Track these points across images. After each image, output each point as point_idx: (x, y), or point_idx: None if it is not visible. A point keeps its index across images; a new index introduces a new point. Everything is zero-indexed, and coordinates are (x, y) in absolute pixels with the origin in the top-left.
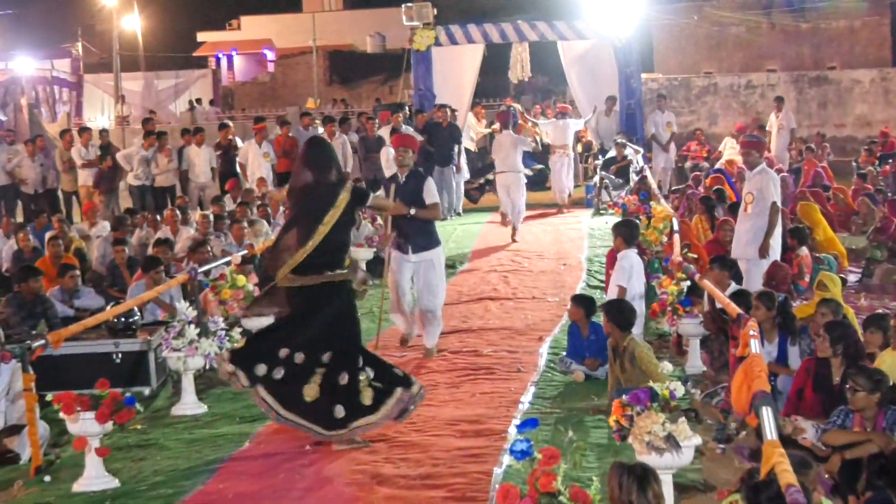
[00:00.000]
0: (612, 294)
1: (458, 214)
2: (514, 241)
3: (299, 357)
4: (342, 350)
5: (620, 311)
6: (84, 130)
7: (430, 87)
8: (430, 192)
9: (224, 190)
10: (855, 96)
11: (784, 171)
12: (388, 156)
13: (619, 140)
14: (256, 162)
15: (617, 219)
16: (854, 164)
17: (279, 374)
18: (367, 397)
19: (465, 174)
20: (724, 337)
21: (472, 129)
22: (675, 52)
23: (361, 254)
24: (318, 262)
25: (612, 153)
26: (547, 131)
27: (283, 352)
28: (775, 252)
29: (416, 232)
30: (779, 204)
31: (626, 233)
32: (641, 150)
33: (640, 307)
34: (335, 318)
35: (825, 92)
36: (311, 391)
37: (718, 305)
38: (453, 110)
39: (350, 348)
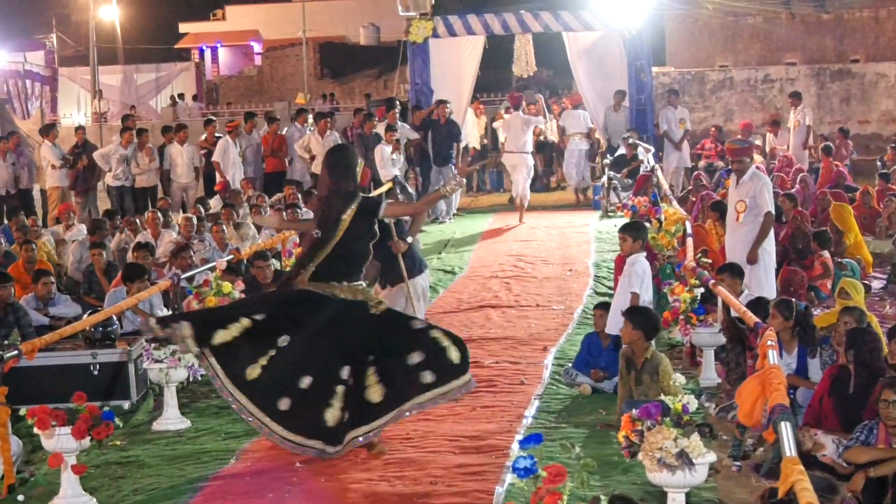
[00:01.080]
0: (622, 301)
1: (456, 214)
2: (521, 222)
3: (306, 381)
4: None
5: (648, 319)
6: (49, 128)
7: (428, 82)
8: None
9: (210, 191)
10: (880, 91)
11: (804, 170)
12: (383, 154)
13: (629, 138)
14: (236, 161)
15: (626, 221)
16: (879, 163)
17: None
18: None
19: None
20: (740, 348)
21: (474, 127)
22: (689, 45)
23: None
24: (330, 272)
25: (620, 151)
26: (562, 124)
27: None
28: (767, 263)
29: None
30: (772, 211)
31: (636, 235)
32: (652, 148)
33: None
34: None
35: (848, 86)
36: (332, 415)
37: (734, 314)
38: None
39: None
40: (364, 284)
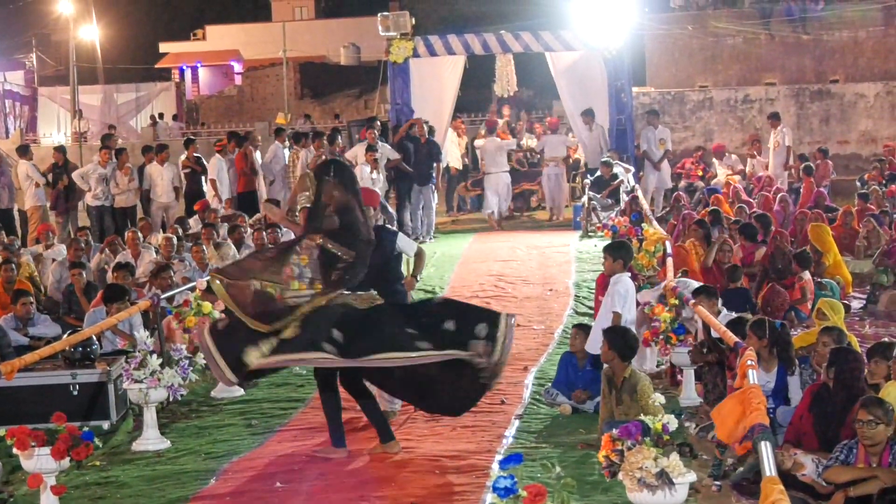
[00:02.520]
0: (604, 321)
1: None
2: (500, 228)
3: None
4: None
5: (624, 339)
6: (25, 149)
7: (408, 102)
8: (408, 243)
9: (191, 210)
10: (859, 111)
11: (783, 190)
12: (362, 174)
13: (606, 159)
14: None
15: (606, 241)
16: (858, 183)
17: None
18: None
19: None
20: (718, 367)
21: (455, 146)
22: (669, 65)
23: None
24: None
25: (597, 173)
26: (541, 146)
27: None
28: None
29: None
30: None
31: (620, 255)
32: (632, 168)
33: None
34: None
35: (828, 107)
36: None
37: (714, 334)
38: (430, 126)
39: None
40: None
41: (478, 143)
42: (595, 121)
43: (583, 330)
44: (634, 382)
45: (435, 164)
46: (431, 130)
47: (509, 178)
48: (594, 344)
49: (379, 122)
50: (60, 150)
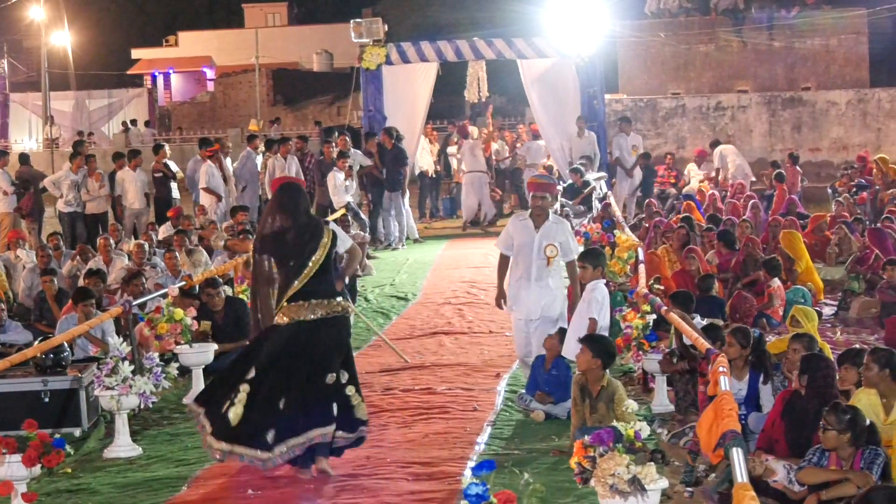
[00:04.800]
0: (579, 327)
1: (417, 241)
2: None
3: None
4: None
5: (605, 347)
6: (2, 154)
7: (381, 109)
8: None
9: (162, 217)
10: (831, 118)
11: (755, 197)
12: (336, 181)
13: (577, 166)
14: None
15: (579, 248)
16: (830, 190)
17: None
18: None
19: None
20: (688, 374)
21: (427, 153)
22: (641, 72)
23: None
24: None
25: (569, 180)
26: (522, 154)
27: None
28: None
29: None
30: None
31: (599, 262)
32: (605, 175)
33: None
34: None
35: (799, 114)
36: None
37: (687, 341)
38: (399, 135)
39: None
40: (340, 298)
41: (451, 150)
42: (587, 126)
43: (559, 334)
44: (612, 391)
45: (402, 170)
46: (399, 137)
47: (487, 179)
48: (570, 349)
49: (351, 129)
50: (23, 159)
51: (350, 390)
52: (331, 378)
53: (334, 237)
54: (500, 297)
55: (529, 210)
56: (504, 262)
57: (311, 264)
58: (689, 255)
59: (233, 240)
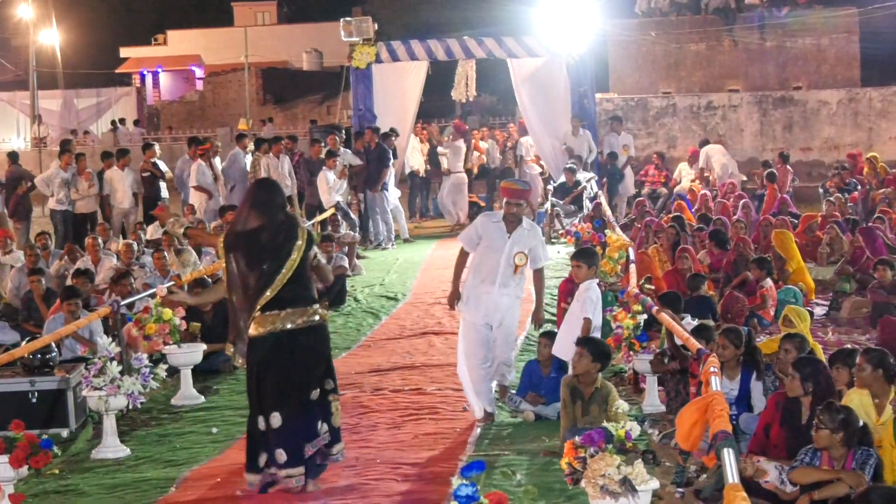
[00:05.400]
0: (574, 327)
1: (408, 240)
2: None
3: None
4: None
5: (603, 349)
6: None
7: (371, 108)
8: None
9: (151, 217)
10: (822, 118)
11: (745, 196)
12: (326, 180)
13: (571, 165)
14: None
15: (570, 248)
16: (821, 189)
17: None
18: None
19: (393, 197)
20: (680, 375)
21: (417, 152)
22: (632, 71)
23: None
24: (290, 297)
25: (561, 179)
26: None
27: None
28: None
29: None
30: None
31: (594, 262)
32: (595, 175)
33: None
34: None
35: (790, 113)
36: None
37: (678, 341)
38: (387, 133)
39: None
40: (318, 306)
41: (441, 149)
42: (581, 125)
43: (550, 338)
44: (606, 393)
45: (384, 170)
46: (386, 136)
47: (466, 179)
48: (562, 349)
49: (342, 129)
50: (13, 157)
51: (333, 398)
52: (315, 394)
53: (310, 238)
54: (455, 297)
55: (503, 212)
56: (464, 259)
57: (285, 270)
58: (681, 255)
59: (194, 229)
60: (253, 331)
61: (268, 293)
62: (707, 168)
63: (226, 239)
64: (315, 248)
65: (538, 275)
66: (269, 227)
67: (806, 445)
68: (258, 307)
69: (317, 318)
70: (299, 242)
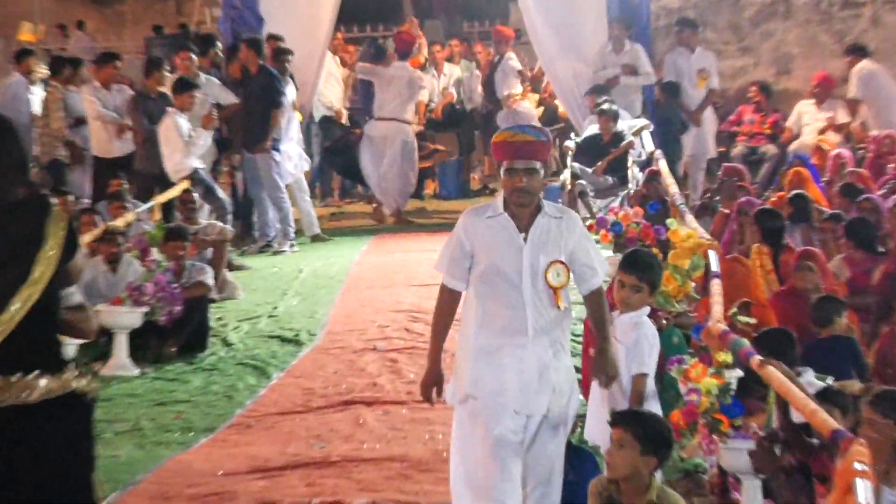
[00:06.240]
0: (610, 394)
1: (325, 239)
2: (399, 220)
3: None
4: None
5: (660, 432)
6: None
7: (254, 5)
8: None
9: None
10: None
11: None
12: (178, 130)
13: (606, 106)
14: None
15: (605, 249)
16: None
17: None
18: None
19: (305, 165)
20: (801, 474)
21: (335, 82)
22: None
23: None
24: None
25: (592, 129)
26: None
27: None
28: None
29: None
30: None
31: (650, 277)
32: (650, 123)
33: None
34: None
35: None
36: None
37: (797, 417)
38: (281, 50)
39: None
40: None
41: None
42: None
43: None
44: None
45: (274, 111)
46: (279, 54)
47: (414, 141)
48: (593, 429)
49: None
50: None
51: None
52: None
53: (72, 238)
54: (434, 379)
55: (503, 198)
56: (450, 305)
57: (13, 308)
58: (802, 265)
59: None
60: None
61: None
62: (852, 107)
63: None
64: (78, 256)
65: (594, 300)
66: None
67: None
68: None
69: (63, 388)
70: (48, 248)
